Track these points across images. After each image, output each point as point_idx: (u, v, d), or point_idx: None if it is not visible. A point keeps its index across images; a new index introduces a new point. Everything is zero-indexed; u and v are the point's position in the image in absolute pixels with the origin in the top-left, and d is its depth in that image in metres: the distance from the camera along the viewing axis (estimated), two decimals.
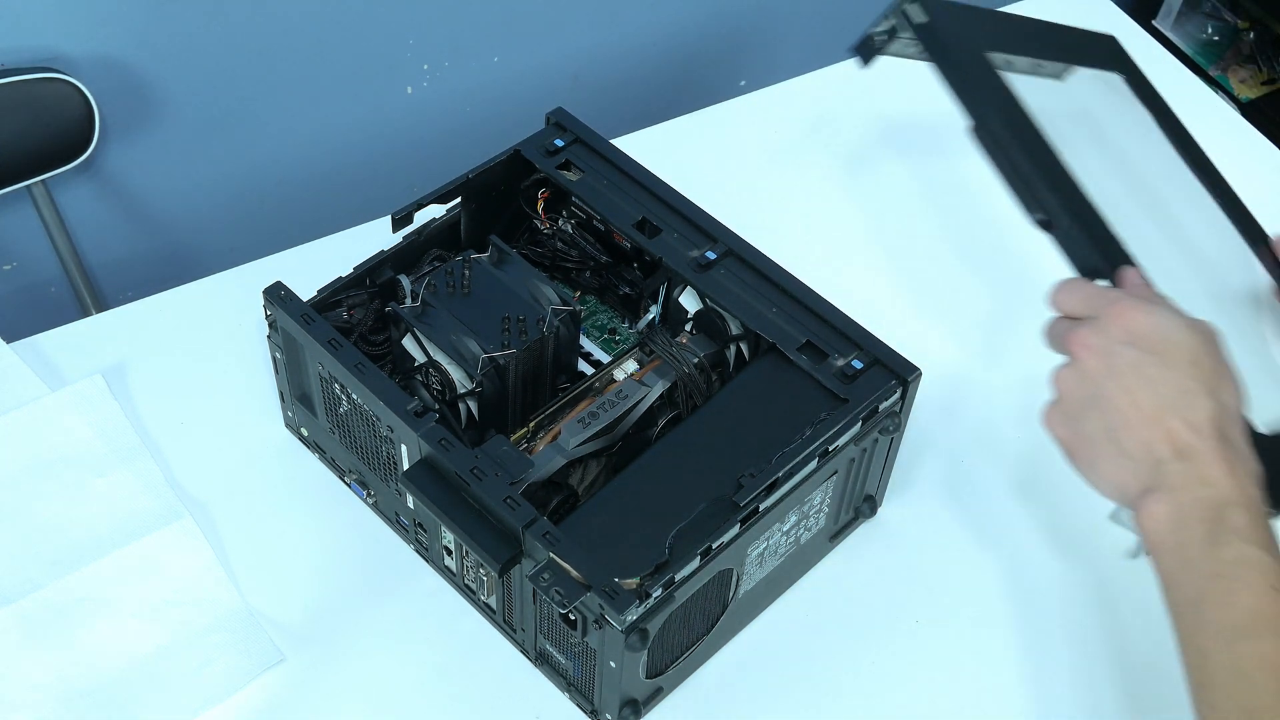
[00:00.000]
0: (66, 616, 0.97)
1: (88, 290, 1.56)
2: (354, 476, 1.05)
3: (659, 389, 1.00)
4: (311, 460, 1.09)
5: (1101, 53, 1.04)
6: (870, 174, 1.39)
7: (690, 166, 1.25)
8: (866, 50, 0.92)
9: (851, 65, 1.55)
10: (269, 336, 1.03)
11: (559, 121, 1.12)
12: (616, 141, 1.16)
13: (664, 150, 1.15)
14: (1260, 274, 0.90)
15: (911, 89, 1.50)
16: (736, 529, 0.89)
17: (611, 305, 1.11)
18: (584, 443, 0.97)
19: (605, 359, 1.07)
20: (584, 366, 1.08)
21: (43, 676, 0.94)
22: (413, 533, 1.01)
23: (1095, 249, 0.78)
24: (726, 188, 1.28)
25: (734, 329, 1.02)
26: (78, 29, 1.40)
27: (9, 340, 1.14)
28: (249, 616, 0.99)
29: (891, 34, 0.91)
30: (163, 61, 1.47)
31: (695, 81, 1.91)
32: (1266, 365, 0.84)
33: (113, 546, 1.01)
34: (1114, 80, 1.01)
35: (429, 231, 1.07)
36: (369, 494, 1.04)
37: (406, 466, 0.95)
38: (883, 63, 1.53)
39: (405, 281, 1.05)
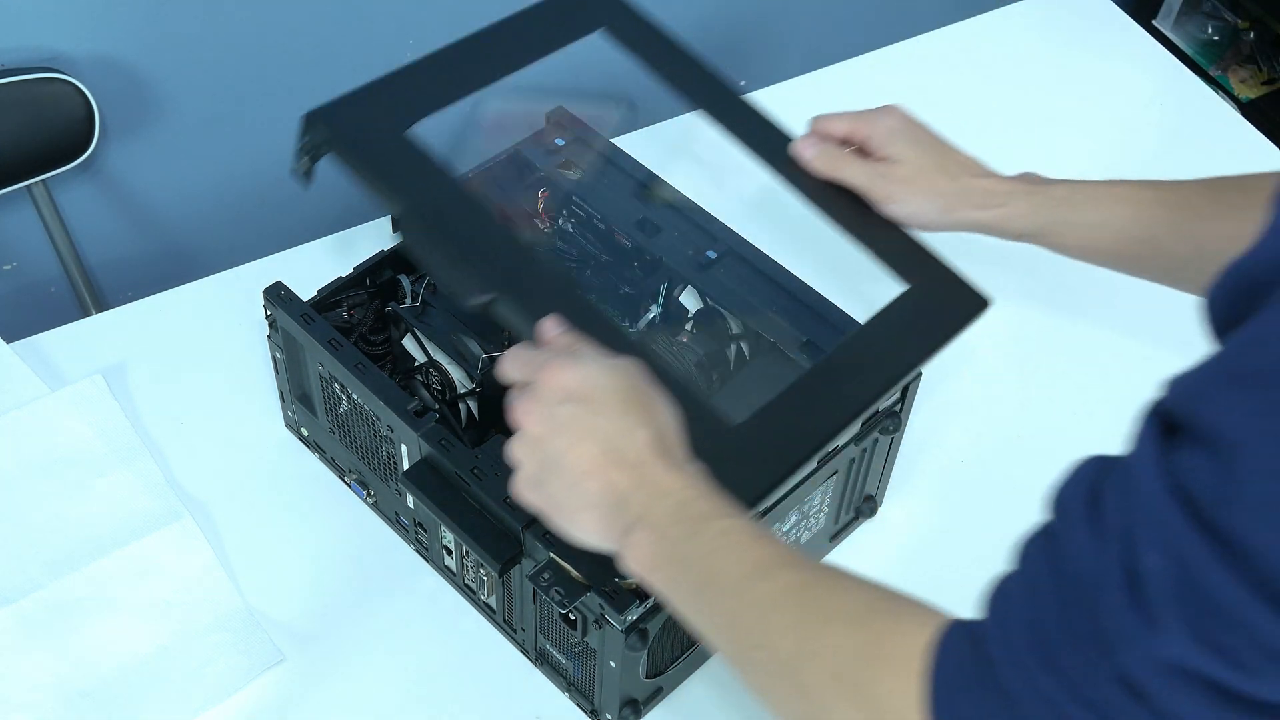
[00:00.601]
0: (66, 616, 0.97)
1: (88, 290, 1.56)
2: (354, 476, 1.05)
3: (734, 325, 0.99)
4: (311, 460, 1.09)
5: (581, 17, 0.99)
6: None
7: (690, 166, 1.25)
8: (302, 178, 0.89)
9: (851, 65, 1.55)
10: (269, 336, 1.03)
11: (559, 121, 1.12)
12: (616, 141, 1.16)
13: (664, 150, 1.15)
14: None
15: (912, 89, 1.50)
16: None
17: (611, 305, 1.11)
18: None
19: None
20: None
21: (43, 676, 0.94)
22: (413, 533, 1.01)
23: (529, 313, 0.79)
24: (727, 188, 1.28)
25: (734, 328, 1.02)
26: (78, 29, 1.40)
27: (9, 340, 1.14)
28: (249, 616, 0.99)
29: (314, 155, 0.88)
30: (163, 61, 1.47)
31: None
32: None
33: (113, 546, 1.01)
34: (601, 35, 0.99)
35: None
36: (369, 494, 1.04)
37: (406, 466, 0.95)
38: (883, 63, 1.53)
39: (405, 281, 1.05)
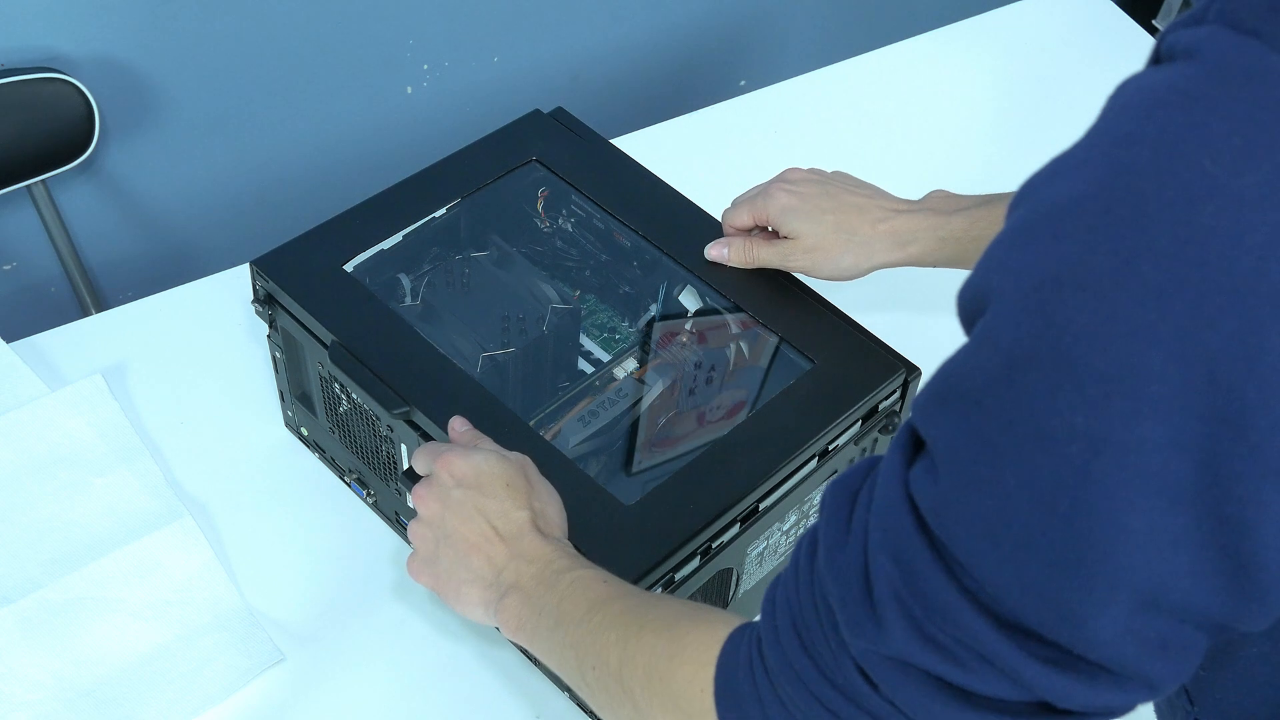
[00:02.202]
0: (66, 616, 0.97)
1: (88, 290, 1.56)
2: (354, 476, 1.05)
3: (659, 388, 1.00)
4: (311, 460, 1.09)
5: (517, 147, 1.09)
6: (869, 174, 1.39)
7: (690, 166, 1.25)
8: (266, 317, 1.01)
9: (851, 65, 1.56)
10: (269, 336, 1.03)
11: (558, 118, 1.12)
12: (616, 141, 1.16)
13: (664, 150, 1.15)
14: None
15: (912, 89, 1.50)
16: (737, 528, 0.89)
17: (611, 304, 1.11)
18: (584, 441, 0.97)
19: (605, 358, 1.08)
20: (584, 365, 1.08)
21: (43, 676, 0.94)
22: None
23: (443, 420, 0.90)
24: (726, 188, 1.28)
25: (734, 328, 1.02)
26: (78, 29, 1.40)
27: (9, 340, 1.14)
28: (249, 616, 0.99)
29: (268, 303, 1.00)
30: (163, 61, 1.47)
31: (695, 81, 1.91)
32: None
33: (113, 546, 1.01)
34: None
35: (429, 231, 1.07)
36: (369, 494, 1.04)
37: (406, 466, 0.95)
38: (883, 63, 1.53)
39: (405, 281, 1.05)
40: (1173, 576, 0.49)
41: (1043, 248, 0.50)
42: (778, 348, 1.00)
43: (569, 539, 0.85)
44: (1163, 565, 0.49)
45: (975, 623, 0.54)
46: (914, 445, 0.57)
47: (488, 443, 0.87)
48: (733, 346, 1.03)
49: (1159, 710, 0.77)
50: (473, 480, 0.83)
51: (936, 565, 0.54)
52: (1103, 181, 0.49)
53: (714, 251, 1.02)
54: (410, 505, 0.88)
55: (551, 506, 0.84)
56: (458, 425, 0.89)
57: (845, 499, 0.60)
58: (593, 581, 0.78)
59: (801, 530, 0.98)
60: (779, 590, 0.63)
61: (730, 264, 1.02)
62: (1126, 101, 0.50)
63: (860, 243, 1.00)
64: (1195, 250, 0.46)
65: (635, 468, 1.00)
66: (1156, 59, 0.52)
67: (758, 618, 0.66)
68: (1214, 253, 0.46)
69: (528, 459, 0.86)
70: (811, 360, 0.96)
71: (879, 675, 0.57)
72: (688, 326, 1.05)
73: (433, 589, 0.85)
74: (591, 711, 0.94)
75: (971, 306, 0.54)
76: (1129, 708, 0.55)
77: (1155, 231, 0.47)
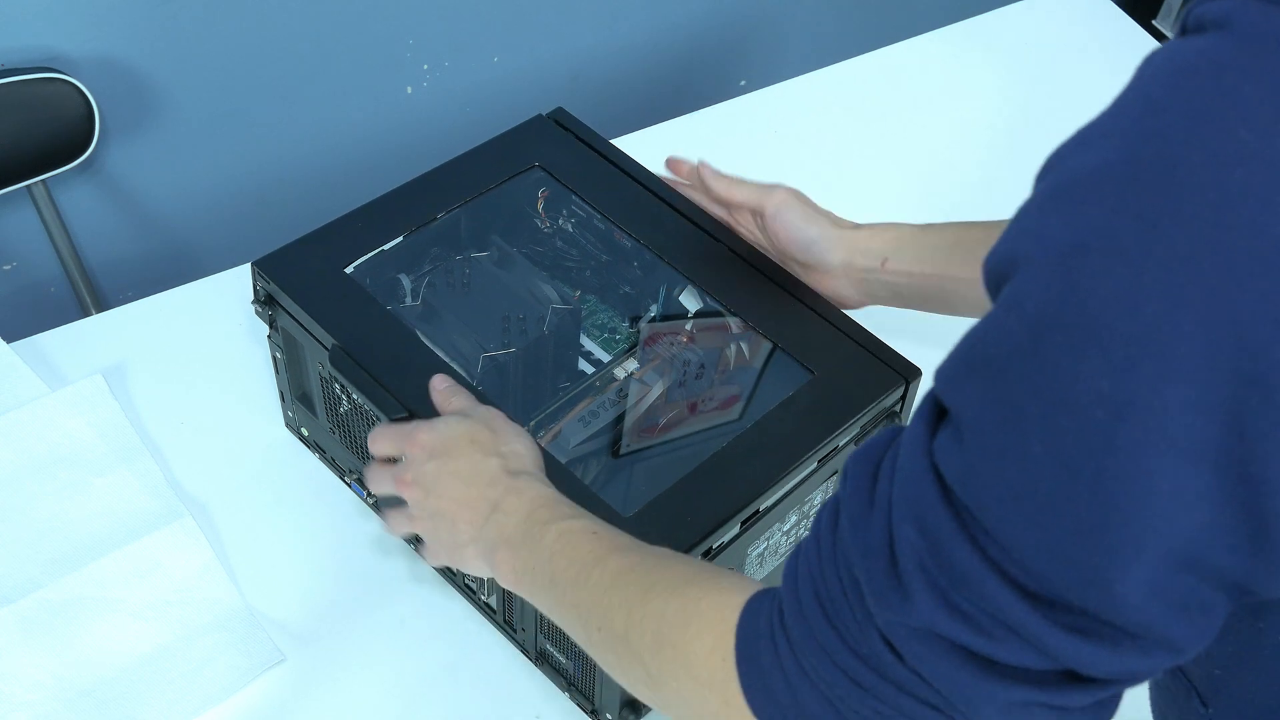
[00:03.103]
0: (66, 616, 0.97)
1: (88, 290, 1.56)
2: (354, 476, 1.05)
3: (659, 388, 1.00)
4: (311, 460, 1.09)
5: (520, 152, 1.09)
6: (870, 174, 1.39)
7: None
8: (266, 318, 1.01)
9: (851, 65, 1.55)
10: (269, 336, 1.03)
11: (559, 121, 1.12)
12: (616, 141, 1.16)
13: (664, 150, 1.15)
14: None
15: (912, 89, 1.50)
16: (738, 529, 0.89)
17: (611, 305, 1.11)
18: (584, 441, 0.97)
19: (605, 358, 1.08)
20: (584, 365, 1.08)
21: (43, 676, 0.94)
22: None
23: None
24: None
25: (734, 328, 1.02)
26: (78, 29, 1.40)
27: (9, 340, 1.14)
28: (249, 616, 0.99)
29: (266, 302, 1.00)
30: (163, 61, 1.47)
31: (695, 81, 1.91)
32: None
33: (113, 546, 1.01)
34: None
35: (430, 231, 1.07)
36: (369, 494, 1.04)
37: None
38: (883, 63, 1.53)
39: (405, 281, 1.05)
40: (1196, 536, 0.50)
41: (1070, 214, 0.50)
42: (772, 353, 1.00)
43: None
44: (1186, 525, 0.50)
45: (1000, 592, 0.54)
46: (937, 415, 0.57)
47: (461, 399, 0.88)
48: (733, 347, 1.03)
49: (1162, 709, 0.77)
50: (440, 448, 0.84)
51: (961, 535, 0.54)
52: (1131, 148, 0.49)
53: (705, 171, 1.05)
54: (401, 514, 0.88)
55: (520, 444, 0.85)
56: (438, 383, 0.90)
57: (868, 470, 0.60)
58: (582, 534, 0.77)
59: (803, 530, 0.98)
60: (800, 562, 0.63)
61: (711, 184, 1.03)
62: (1155, 71, 0.51)
63: (835, 224, 1.02)
64: (1225, 214, 0.47)
65: (634, 468, 1.00)
66: (1183, 31, 0.52)
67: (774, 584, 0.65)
68: (1244, 216, 0.47)
69: (497, 411, 0.87)
70: (811, 370, 0.96)
71: (905, 646, 0.57)
72: (687, 327, 1.05)
73: (449, 565, 0.86)
74: (594, 712, 0.94)
75: (998, 273, 0.54)
76: (1152, 673, 0.56)
77: (1184, 196, 0.47)
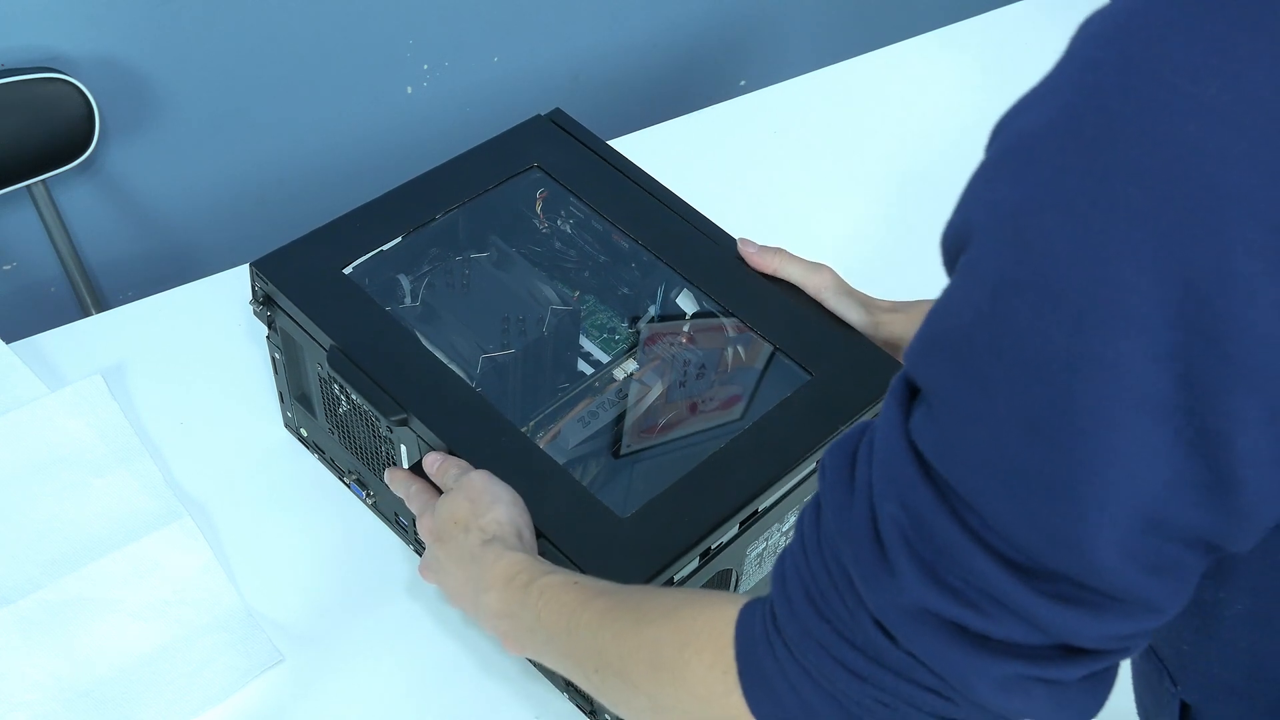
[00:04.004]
0: (66, 616, 0.97)
1: (88, 290, 1.56)
2: (353, 477, 1.05)
3: (658, 388, 1.00)
4: (311, 460, 1.09)
5: (518, 153, 1.09)
6: (870, 174, 1.39)
7: (690, 166, 1.25)
8: (265, 319, 1.01)
9: (851, 65, 1.55)
10: (268, 337, 1.03)
11: (557, 122, 1.12)
12: (616, 141, 1.16)
13: (664, 150, 1.15)
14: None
15: (912, 89, 1.50)
16: (736, 529, 0.89)
17: (611, 305, 1.11)
18: (584, 442, 0.97)
19: (605, 359, 1.08)
20: (583, 366, 1.08)
21: (42, 676, 0.94)
22: (412, 533, 1.01)
23: (439, 429, 0.91)
24: (726, 188, 1.28)
25: (732, 329, 1.02)
26: (78, 29, 1.40)
27: (9, 340, 1.14)
28: (249, 616, 0.99)
29: (265, 302, 1.00)
30: (163, 61, 1.47)
31: (695, 81, 1.91)
32: None
33: (113, 546, 1.01)
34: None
35: (429, 232, 1.07)
36: (368, 494, 1.04)
37: (406, 467, 0.95)
38: (883, 63, 1.53)
39: (405, 282, 1.05)
40: (1160, 493, 0.50)
41: (1017, 176, 0.51)
42: (771, 355, 1.00)
43: (564, 540, 0.85)
44: (1149, 482, 0.50)
45: (984, 565, 0.54)
46: (910, 395, 0.58)
47: (450, 473, 0.89)
48: (731, 348, 1.03)
49: (1140, 696, 0.77)
50: (436, 533, 0.87)
51: (942, 509, 0.55)
52: (1071, 106, 0.50)
53: (748, 249, 1.02)
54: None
55: (495, 511, 0.85)
56: (429, 464, 0.91)
57: (845, 461, 0.61)
58: (561, 587, 0.78)
59: None
60: (787, 564, 0.63)
61: (754, 261, 1.02)
62: (1091, 33, 0.52)
63: (869, 310, 1.01)
64: (1163, 161, 0.48)
65: (634, 468, 1.00)
66: None
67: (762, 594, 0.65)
68: (1182, 162, 0.47)
69: (479, 474, 0.87)
70: (809, 372, 0.96)
71: (897, 627, 0.57)
72: (686, 328, 1.05)
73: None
74: (593, 713, 0.94)
75: (953, 246, 0.55)
76: (1139, 637, 0.56)
77: (1125, 147, 0.48)
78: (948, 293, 0.55)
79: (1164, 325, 0.48)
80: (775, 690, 0.62)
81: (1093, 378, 0.49)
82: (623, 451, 1.00)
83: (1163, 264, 0.47)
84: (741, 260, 1.03)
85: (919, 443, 0.56)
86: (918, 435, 0.56)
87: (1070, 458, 0.51)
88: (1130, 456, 0.50)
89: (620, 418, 1.00)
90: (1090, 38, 0.52)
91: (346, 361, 0.93)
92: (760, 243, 1.03)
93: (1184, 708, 0.71)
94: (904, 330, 0.99)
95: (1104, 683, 0.59)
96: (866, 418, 0.95)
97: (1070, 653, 0.56)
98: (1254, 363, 0.47)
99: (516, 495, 0.86)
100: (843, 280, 1.02)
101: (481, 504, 0.85)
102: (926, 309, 1.00)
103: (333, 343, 0.94)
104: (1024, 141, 0.52)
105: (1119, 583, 0.53)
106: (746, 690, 0.64)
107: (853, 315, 1.00)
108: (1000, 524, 0.53)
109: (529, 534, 0.85)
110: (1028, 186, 0.51)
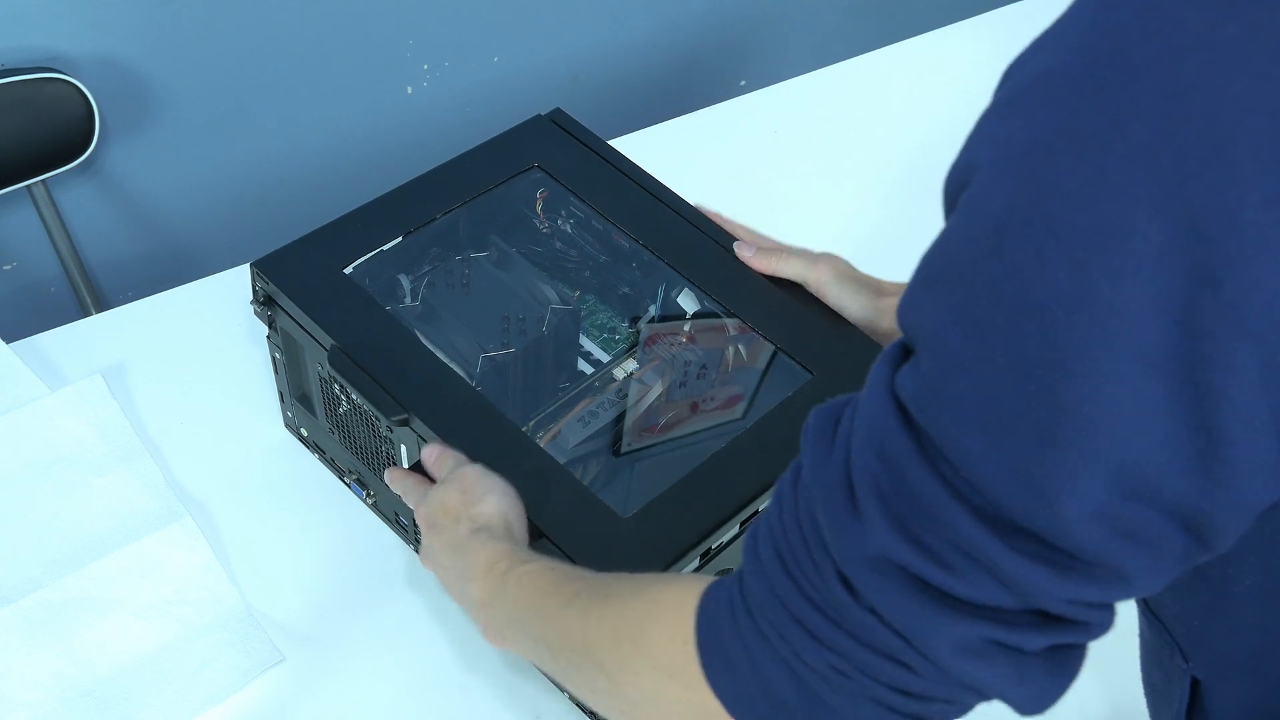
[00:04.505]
0: (66, 616, 0.97)
1: (88, 290, 1.56)
2: (353, 477, 1.05)
3: (658, 388, 1.00)
4: (311, 460, 1.09)
5: (518, 153, 1.09)
6: (870, 174, 1.39)
7: (690, 166, 1.25)
8: (265, 318, 1.02)
9: (851, 65, 1.55)
10: (268, 337, 1.03)
11: (556, 122, 1.12)
12: (616, 141, 1.16)
13: (664, 150, 1.15)
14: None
15: (912, 89, 1.50)
16: (737, 529, 0.89)
17: (611, 305, 1.11)
18: (584, 442, 0.97)
19: (605, 358, 1.08)
20: (584, 366, 1.08)
21: (43, 676, 0.94)
22: (412, 533, 1.01)
23: (440, 429, 0.91)
24: (726, 188, 1.28)
25: (733, 329, 1.02)
26: (78, 29, 1.40)
27: (9, 340, 1.14)
28: (249, 616, 0.99)
29: (265, 302, 1.00)
30: (163, 61, 1.47)
31: (695, 81, 1.91)
32: None
33: (113, 546, 1.01)
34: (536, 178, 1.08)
35: (429, 232, 1.07)
36: (369, 494, 1.04)
37: (406, 466, 0.95)
38: (883, 63, 1.53)
39: (405, 281, 1.05)
40: (1146, 451, 0.50)
41: (1030, 114, 0.51)
42: (773, 355, 1.00)
43: (565, 540, 0.85)
44: (1137, 437, 0.49)
45: (957, 517, 0.53)
46: (902, 357, 0.57)
47: (446, 464, 0.89)
48: (732, 348, 1.03)
49: (1149, 672, 0.76)
50: (428, 522, 0.87)
51: (921, 460, 0.54)
52: (1087, 46, 0.50)
53: (744, 252, 1.02)
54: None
55: (487, 502, 0.85)
56: (428, 456, 0.91)
57: (829, 422, 0.60)
58: (538, 572, 0.79)
59: None
60: (761, 524, 0.63)
61: (753, 265, 1.02)
62: None
63: (879, 292, 1.00)
64: (1179, 104, 0.47)
65: (634, 468, 1.00)
66: None
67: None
68: (1197, 105, 0.47)
69: (473, 467, 0.87)
70: (810, 371, 0.96)
71: (860, 579, 0.56)
72: (687, 328, 1.05)
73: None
74: (591, 711, 0.94)
75: (956, 185, 0.54)
76: (1104, 610, 0.55)
77: (1140, 88, 0.48)
78: (945, 232, 0.54)
79: (1168, 271, 0.47)
80: (732, 659, 0.62)
81: (1092, 321, 0.49)
82: (623, 451, 1.00)
83: (1171, 207, 0.47)
84: (766, 273, 1.02)
85: (901, 393, 0.55)
86: (902, 387, 0.55)
87: (1059, 404, 0.50)
88: (1120, 406, 0.49)
89: (620, 417, 1.00)
90: None
91: (347, 361, 0.94)
92: (763, 232, 1.03)
93: (1195, 684, 0.70)
94: None
95: (1067, 664, 0.58)
96: None
97: (1035, 619, 0.55)
98: (1256, 313, 0.47)
99: (510, 488, 0.86)
100: (847, 267, 1.01)
101: (473, 495, 0.85)
102: None
103: (333, 342, 0.94)
104: (1037, 81, 0.51)
105: (1087, 544, 0.52)
106: (704, 659, 0.63)
107: (858, 302, 0.99)
108: (976, 473, 0.53)
109: (520, 526, 0.85)
110: (1041, 125, 0.50)
